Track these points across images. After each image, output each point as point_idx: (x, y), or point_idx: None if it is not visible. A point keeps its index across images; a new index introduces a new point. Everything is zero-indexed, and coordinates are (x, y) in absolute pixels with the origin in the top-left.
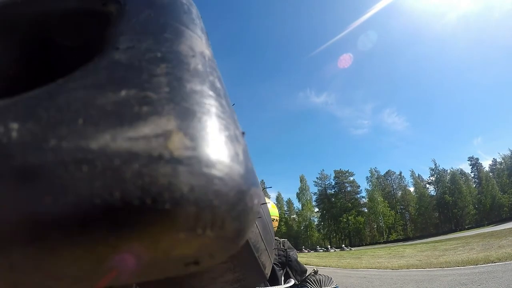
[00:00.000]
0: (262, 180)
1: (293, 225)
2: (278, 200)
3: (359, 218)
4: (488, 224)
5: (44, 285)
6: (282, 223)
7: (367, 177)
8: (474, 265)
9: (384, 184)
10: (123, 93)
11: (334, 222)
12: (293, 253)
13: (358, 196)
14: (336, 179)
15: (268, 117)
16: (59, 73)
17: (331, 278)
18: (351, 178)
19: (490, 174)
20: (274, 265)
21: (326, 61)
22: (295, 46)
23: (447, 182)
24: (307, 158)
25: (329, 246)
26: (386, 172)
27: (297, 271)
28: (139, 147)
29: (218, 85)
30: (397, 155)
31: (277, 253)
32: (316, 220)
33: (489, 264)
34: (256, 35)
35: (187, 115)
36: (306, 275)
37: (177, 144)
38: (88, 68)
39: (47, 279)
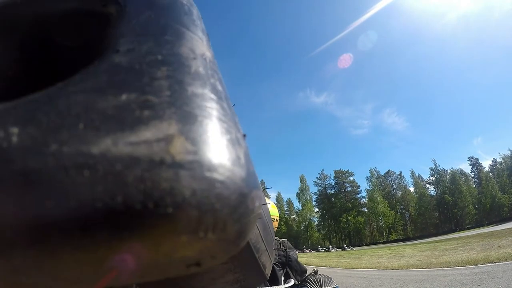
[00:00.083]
0: (262, 180)
1: (293, 225)
2: (278, 200)
3: (359, 218)
4: (488, 224)
5: (45, 286)
6: (282, 223)
7: (367, 177)
8: (474, 265)
9: (384, 184)
10: (124, 97)
11: (334, 222)
12: (293, 253)
13: (358, 196)
14: (336, 179)
15: (268, 117)
16: (59, 74)
17: (331, 278)
18: (351, 178)
19: (490, 174)
20: (274, 265)
21: (326, 61)
22: (295, 46)
23: (447, 182)
24: (307, 158)
25: (330, 246)
26: (386, 172)
27: (297, 271)
28: (140, 152)
29: (219, 87)
30: (397, 155)
31: (277, 253)
32: (316, 220)
33: (489, 264)
34: (256, 35)
35: (188, 119)
36: (306, 275)
37: (179, 149)
38: (89, 71)
39: (48, 280)
